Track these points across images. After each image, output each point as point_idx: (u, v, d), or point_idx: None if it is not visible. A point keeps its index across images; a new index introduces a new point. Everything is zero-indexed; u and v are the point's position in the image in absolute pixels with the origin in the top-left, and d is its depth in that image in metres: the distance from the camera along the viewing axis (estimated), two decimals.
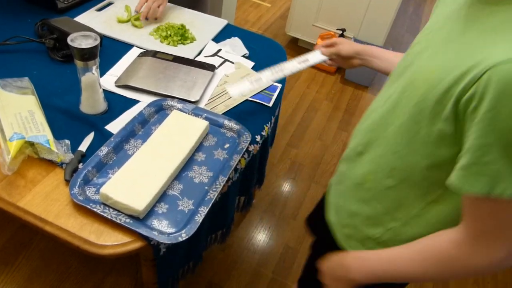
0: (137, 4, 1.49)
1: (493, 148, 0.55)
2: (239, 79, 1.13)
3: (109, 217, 0.86)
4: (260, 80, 1.11)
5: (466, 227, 0.64)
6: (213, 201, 0.94)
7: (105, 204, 0.89)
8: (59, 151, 0.96)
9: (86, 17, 1.47)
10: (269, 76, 1.12)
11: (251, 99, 1.24)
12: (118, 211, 0.88)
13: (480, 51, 0.58)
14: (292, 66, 1.13)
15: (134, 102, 1.18)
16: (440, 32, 0.71)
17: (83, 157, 0.99)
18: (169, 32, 1.43)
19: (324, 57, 1.16)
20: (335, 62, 1.17)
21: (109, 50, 1.34)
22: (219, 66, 1.36)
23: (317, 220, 1.14)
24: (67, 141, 1.00)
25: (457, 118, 0.61)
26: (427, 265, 0.68)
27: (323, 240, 1.02)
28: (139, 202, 0.87)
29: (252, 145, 1.12)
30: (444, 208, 0.73)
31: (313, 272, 1.06)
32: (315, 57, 1.16)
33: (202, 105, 1.20)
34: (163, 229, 0.88)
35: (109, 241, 0.85)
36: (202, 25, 1.55)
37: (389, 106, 0.77)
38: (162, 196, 0.94)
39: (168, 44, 1.42)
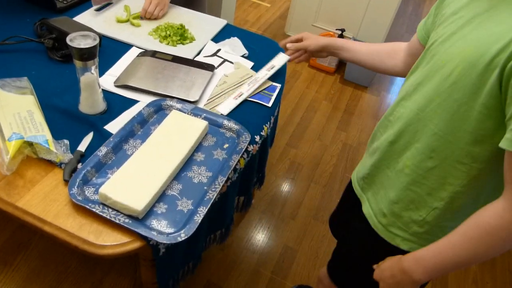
0: (141, 9, 1.52)
1: None
2: (227, 96, 1.24)
3: (108, 217, 0.86)
4: (242, 94, 1.23)
5: (507, 193, 0.66)
6: (212, 201, 0.93)
7: (104, 204, 0.89)
8: (58, 151, 0.95)
9: (85, 17, 1.46)
10: (248, 89, 1.25)
11: (250, 99, 1.24)
12: (117, 211, 0.88)
13: None
14: (263, 74, 1.30)
15: (133, 102, 1.17)
16: (463, 18, 0.74)
17: (82, 157, 0.98)
18: (168, 32, 1.43)
19: (287, 57, 1.31)
20: (303, 57, 1.26)
21: (108, 50, 1.34)
22: (218, 66, 1.36)
23: (343, 217, 1.16)
24: (66, 141, 1.00)
25: (501, 87, 0.64)
26: (476, 244, 0.70)
27: (359, 231, 1.04)
28: (138, 202, 0.87)
29: (251, 145, 1.12)
30: (485, 181, 0.76)
31: (347, 261, 1.08)
32: (280, 60, 1.32)
33: (201, 105, 1.20)
34: (162, 229, 0.88)
35: (108, 241, 0.84)
36: (201, 25, 1.55)
37: (422, 93, 0.80)
38: (161, 196, 0.94)
39: (167, 44, 1.42)
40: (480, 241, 0.69)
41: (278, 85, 1.32)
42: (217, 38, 1.50)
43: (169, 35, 1.43)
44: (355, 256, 1.07)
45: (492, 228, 0.67)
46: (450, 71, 0.72)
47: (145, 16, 1.52)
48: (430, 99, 0.77)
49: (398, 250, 0.92)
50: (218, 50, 1.43)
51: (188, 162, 1.03)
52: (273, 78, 1.34)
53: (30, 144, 0.96)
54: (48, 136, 0.97)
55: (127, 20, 1.49)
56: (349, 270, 1.10)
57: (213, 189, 0.96)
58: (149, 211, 0.91)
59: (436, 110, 0.76)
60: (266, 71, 1.31)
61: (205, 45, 1.45)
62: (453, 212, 0.82)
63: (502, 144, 0.65)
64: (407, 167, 0.85)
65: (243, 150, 1.07)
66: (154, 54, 1.31)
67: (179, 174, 1.00)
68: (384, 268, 0.87)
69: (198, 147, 1.07)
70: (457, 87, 0.71)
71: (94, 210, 0.87)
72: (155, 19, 1.53)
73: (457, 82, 0.71)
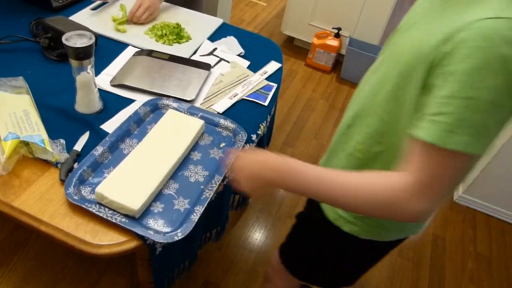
0: (131, 10, 1.47)
1: (456, 100, 0.58)
2: (223, 96, 1.25)
3: (104, 216, 0.86)
4: (237, 95, 1.25)
5: (414, 174, 0.64)
6: (208, 200, 0.94)
7: (100, 204, 0.89)
8: (54, 150, 0.95)
9: (81, 16, 1.46)
10: (242, 90, 1.28)
11: (246, 98, 1.25)
12: (114, 210, 0.88)
13: (457, 18, 0.61)
14: (256, 78, 1.33)
15: (130, 101, 1.17)
16: (422, 10, 0.76)
17: (79, 157, 0.98)
18: (164, 31, 1.43)
19: (279, 65, 1.41)
20: None
21: (104, 49, 1.33)
22: (214, 65, 1.36)
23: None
24: (62, 141, 1.00)
25: (431, 79, 0.64)
26: (359, 198, 0.68)
27: (309, 212, 1.04)
28: (134, 201, 0.87)
29: (248, 144, 1.12)
30: None
31: (297, 242, 1.09)
32: (272, 67, 1.40)
33: (197, 104, 1.20)
34: (159, 229, 0.88)
35: (105, 241, 0.84)
36: (198, 24, 1.55)
37: (376, 78, 0.82)
38: (157, 195, 0.94)
39: (164, 43, 1.42)
40: (365, 200, 0.68)
41: (275, 84, 1.33)
42: (213, 37, 1.50)
43: (165, 34, 1.43)
44: (301, 236, 1.08)
45: (385, 196, 0.66)
46: (399, 60, 0.73)
47: (132, 20, 1.47)
48: (381, 85, 0.78)
49: (339, 230, 0.93)
50: (215, 49, 1.43)
51: (184, 161, 1.03)
52: (269, 77, 1.34)
53: (26, 143, 0.96)
54: (44, 135, 0.96)
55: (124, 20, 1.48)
56: (295, 250, 1.11)
57: (209, 188, 0.96)
58: (146, 211, 0.91)
59: (385, 97, 0.77)
60: (260, 76, 1.34)
61: (201, 44, 1.45)
62: None
63: (415, 132, 0.64)
64: (358, 151, 0.86)
65: (240, 149, 1.07)
66: (150, 53, 1.31)
67: (175, 173, 1.00)
68: (250, 155, 0.82)
69: (194, 146, 1.07)
70: (402, 76, 0.72)
71: (90, 209, 0.86)
72: (142, 24, 1.48)
73: (403, 71, 0.71)
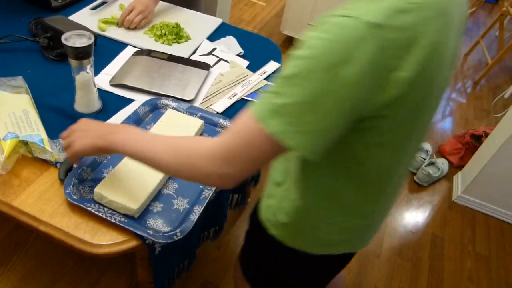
0: (122, 14, 1.44)
1: (288, 84, 0.58)
2: (222, 95, 1.25)
3: (103, 216, 0.86)
4: (236, 95, 1.25)
5: (224, 140, 0.65)
6: (208, 200, 0.94)
7: (99, 203, 0.89)
8: (53, 150, 0.95)
9: (80, 16, 1.46)
10: (241, 90, 1.28)
11: (245, 98, 1.25)
12: (113, 210, 0.88)
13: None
14: (256, 78, 1.33)
15: (129, 101, 1.17)
16: None
17: None
18: (163, 31, 1.43)
19: (278, 64, 1.41)
20: None
21: (104, 49, 1.33)
22: (214, 65, 1.36)
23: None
24: (62, 140, 1.00)
25: None
26: (172, 152, 0.70)
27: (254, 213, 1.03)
28: (133, 201, 0.87)
29: None
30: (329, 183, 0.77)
31: (248, 245, 1.08)
32: (271, 66, 1.40)
33: (197, 104, 1.20)
34: (158, 228, 0.88)
35: (104, 240, 0.84)
36: (197, 24, 1.55)
37: None
38: (157, 195, 0.94)
39: (163, 43, 1.42)
40: (183, 157, 0.69)
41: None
42: (212, 37, 1.50)
43: (165, 34, 1.43)
44: (250, 237, 1.06)
45: (197, 155, 0.67)
46: None
47: (123, 24, 1.43)
48: None
49: (265, 232, 0.89)
50: (214, 49, 1.43)
51: None
52: (268, 77, 1.35)
53: (25, 143, 0.96)
54: (43, 135, 0.97)
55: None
56: (246, 253, 1.10)
57: (209, 188, 0.97)
58: (145, 210, 0.91)
59: None
60: (259, 76, 1.34)
61: (200, 44, 1.45)
62: (308, 209, 0.81)
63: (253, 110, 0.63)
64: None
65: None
66: (149, 53, 1.31)
67: None
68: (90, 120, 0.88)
69: None
70: None
71: (89, 209, 0.86)
72: (135, 28, 1.45)
73: None
